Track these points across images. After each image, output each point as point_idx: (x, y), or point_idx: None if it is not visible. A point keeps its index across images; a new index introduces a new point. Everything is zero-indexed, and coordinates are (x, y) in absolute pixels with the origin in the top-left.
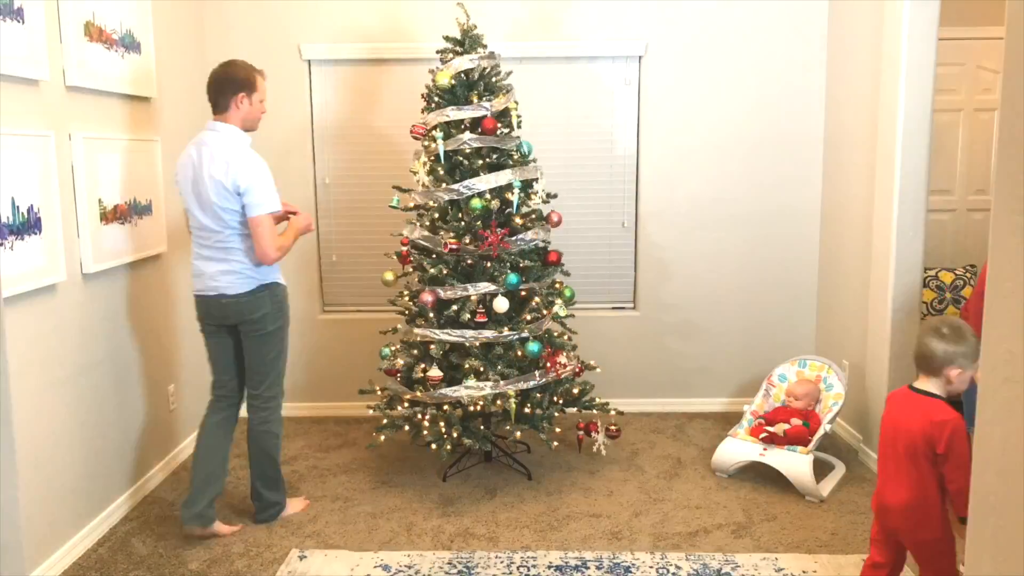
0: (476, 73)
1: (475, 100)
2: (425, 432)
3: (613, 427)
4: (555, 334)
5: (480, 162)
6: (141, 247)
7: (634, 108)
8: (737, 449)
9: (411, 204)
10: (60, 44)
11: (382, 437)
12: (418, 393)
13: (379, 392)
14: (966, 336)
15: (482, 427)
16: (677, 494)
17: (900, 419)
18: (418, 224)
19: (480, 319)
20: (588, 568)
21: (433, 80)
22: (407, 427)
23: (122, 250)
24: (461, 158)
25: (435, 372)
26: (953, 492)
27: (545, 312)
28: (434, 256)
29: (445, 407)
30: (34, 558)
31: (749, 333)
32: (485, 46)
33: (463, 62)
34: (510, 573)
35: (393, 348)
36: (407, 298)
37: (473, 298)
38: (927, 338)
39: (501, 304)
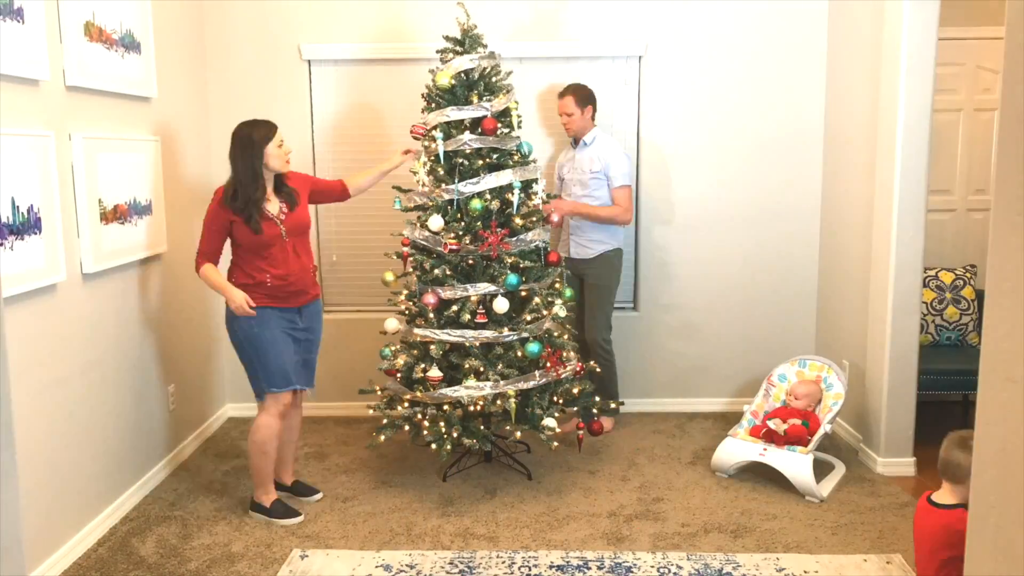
0: (476, 73)
1: (475, 100)
2: (425, 432)
3: (596, 423)
4: (555, 334)
5: (480, 162)
6: (141, 247)
7: (634, 108)
8: (737, 449)
9: (411, 205)
10: (60, 44)
11: (382, 437)
12: (418, 393)
13: (379, 392)
14: None
15: (482, 427)
16: (677, 494)
17: (925, 533)
18: (419, 224)
19: (480, 319)
20: (589, 568)
21: (433, 80)
22: (407, 427)
23: (122, 250)
24: (461, 159)
25: (435, 372)
26: None
27: (545, 312)
28: (435, 256)
29: (445, 407)
30: (34, 558)
31: (749, 333)
32: (485, 46)
33: (463, 62)
34: (511, 573)
35: (393, 348)
36: (404, 297)
37: (473, 299)
38: (955, 450)
39: (501, 305)
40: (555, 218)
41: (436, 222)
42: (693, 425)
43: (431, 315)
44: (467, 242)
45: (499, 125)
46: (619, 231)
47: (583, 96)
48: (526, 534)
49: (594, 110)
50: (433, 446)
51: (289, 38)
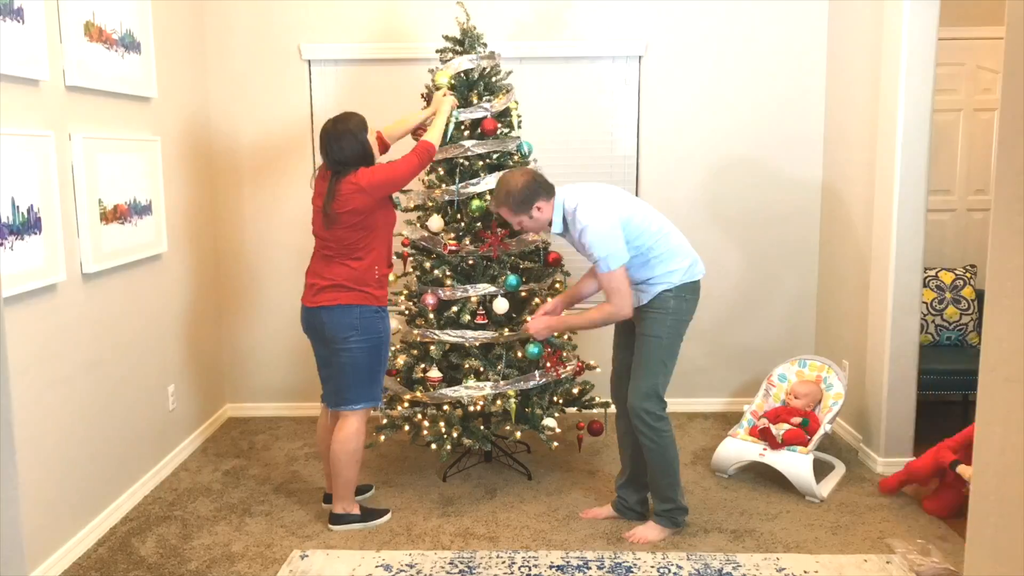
0: (476, 73)
1: (475, 100)
2: (425, 432)
3: (596, 423)
4: (555, 334)
5: (481, 163)
6: (141, 247)
7: (634, 108)
8: (737, 449)
9: (411, 205)
10: (60, 44)
11: (382, 437)
12: (418, 393)
13: None
14: None
15: (482, 427)
16: None
17: None
18: (418, 224)
19: (480, 320)
20: (590, 568)
21: (433, 80)
22: (407, 427)
23: (122, 250)
24: (462, 159)
25: (435, 373)
26: None
27: None
28: (435, 257)
29: (445, 407)
30: (34, 558)
31: (749, 333)
32: (485, 45)
33: (463, 62)
34: (511, 573)
35: (393, 348)
36: (404, 297)
37: (473, 299)
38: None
39: (501, 305)
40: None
41: (436, 222)
42: (693, 425)
43: (431, 315)
44: (467, 242)
45: (499, 125)
46: (677, 257)
47: (519, 200)
48: (526, 534)
49: (546, 197)
50: (433, 446)
51: (289, 38)
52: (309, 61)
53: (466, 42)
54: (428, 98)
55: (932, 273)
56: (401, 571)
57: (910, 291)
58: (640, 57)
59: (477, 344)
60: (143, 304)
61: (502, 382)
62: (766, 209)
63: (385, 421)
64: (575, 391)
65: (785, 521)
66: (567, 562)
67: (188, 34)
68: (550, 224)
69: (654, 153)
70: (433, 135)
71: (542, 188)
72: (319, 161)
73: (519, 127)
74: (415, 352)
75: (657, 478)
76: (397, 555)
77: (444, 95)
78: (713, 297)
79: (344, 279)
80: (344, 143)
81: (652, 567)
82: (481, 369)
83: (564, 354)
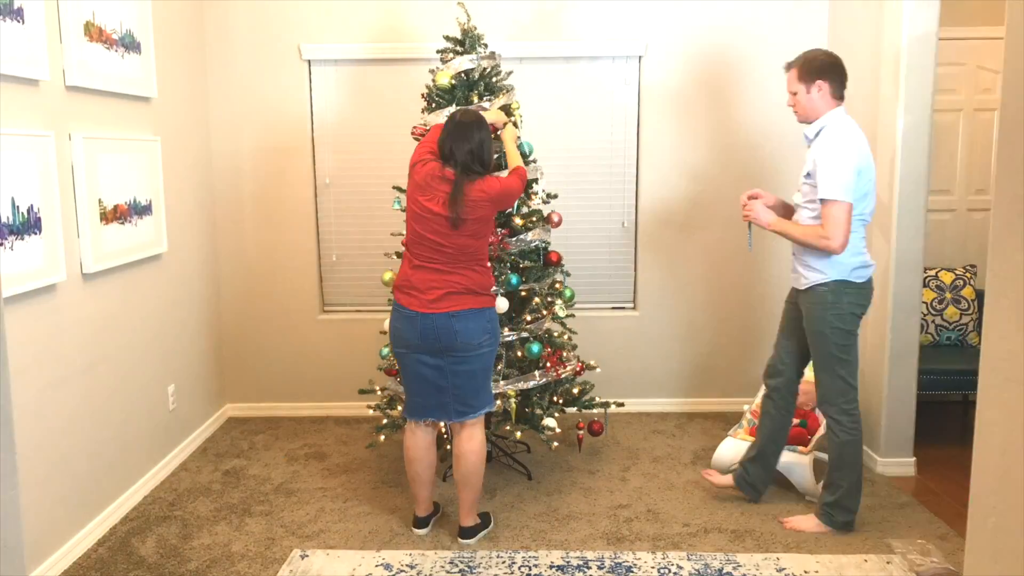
0: (476, 73)
1: (475, 100)
2: None
3: (596, 423)
4: (555, 334)
5: None
6: (141, 247)
7: (634, 108)
8: (737, 449)
9: None
10: (60, 44)
11: (382, 437)
12: None
13: (379, 392)
14: None
15: None
16: (677, 494)
17: None
18: None
19: None
20: (590, 568)
21: (433, 80)
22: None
23: (122, 250)
24: None
25: None
26: None
27: (545, 312)
28: None
29: None
30: (34, 558)
31: (749, 333)
32: (486, 46)
33: (463, 62)
34: (511, 573)
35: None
36: None
37: None
38: None
39: (501, 304)
40: (555, 218)
41: None
42: (693, 425)
43: None
44: None
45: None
46: (843, 259)
47: (810, 67)
48: (526, 534)
49: (835, 84)
50: None
51: (289, 38)
52: (309, 61)
53: (467, 42)
54: (429, 98)
55: (932, 273)
56: (401, 571)
57: (910, 291)
58: (640, 57)
59: None
60: (143, 304)
61: (502, 382)
62: None
63: (385, 421)
64: (575, 391)
65: None
66: (567, 562)
67: (188, 34)
68: (807, 123)
69: (654, 153)
70: (515, 162)
71: (837, 78)
72: (319, 161)
73: (519, 127)
74: None
75: (834, 472)
76: (397, 555)
77: (505, 124)
78: (713, 297)
79: (472, 284)
80: (485, 146)
81: (652, 567)
82: None
83: (564, 354)
